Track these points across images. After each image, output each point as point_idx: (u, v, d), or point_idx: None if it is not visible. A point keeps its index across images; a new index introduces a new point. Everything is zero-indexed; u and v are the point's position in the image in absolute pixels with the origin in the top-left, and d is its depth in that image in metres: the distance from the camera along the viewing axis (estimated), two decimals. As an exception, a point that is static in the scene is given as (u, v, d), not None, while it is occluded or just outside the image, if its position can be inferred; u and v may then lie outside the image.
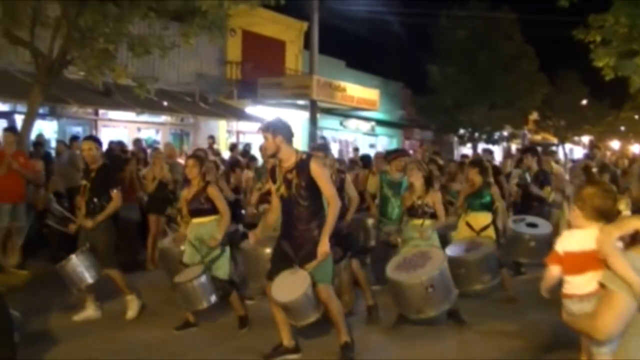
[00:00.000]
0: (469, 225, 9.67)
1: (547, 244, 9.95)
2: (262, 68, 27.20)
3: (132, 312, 8.82)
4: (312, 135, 25.87)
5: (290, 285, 6.67)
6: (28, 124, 13.14)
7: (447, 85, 35.10)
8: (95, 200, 8.64)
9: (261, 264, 8.70)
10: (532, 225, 10.27)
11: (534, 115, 50.23)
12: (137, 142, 17.87)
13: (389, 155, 11.36)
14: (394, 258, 8.45)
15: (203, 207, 8.30)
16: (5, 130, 12.28)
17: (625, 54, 16.06)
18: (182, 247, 8.73)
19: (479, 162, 10.52)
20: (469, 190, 9.86)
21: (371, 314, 8.81)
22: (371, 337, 8.25)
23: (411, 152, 33.39)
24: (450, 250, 9.00)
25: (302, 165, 6.77)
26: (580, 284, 4.09)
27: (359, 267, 9.00)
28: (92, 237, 8.65)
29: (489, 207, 9.70)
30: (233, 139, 26.58)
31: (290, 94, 27.27)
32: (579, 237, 4.17)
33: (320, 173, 6.77)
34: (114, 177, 9.09)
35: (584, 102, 53.33)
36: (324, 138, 20.52)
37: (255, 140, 23.52)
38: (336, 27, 28.77)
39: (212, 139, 19.86)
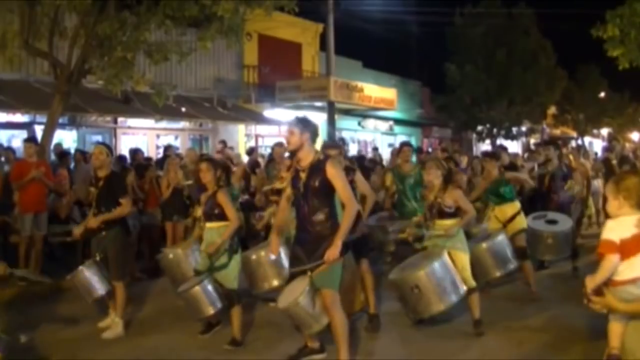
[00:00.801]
0: (496, 218, 9.76)
1: (566, 240, 10.15)
2: (279, 71, 27.27)
3: (111, 333, 8.45)
4: (331, 136, 25.84)
5: (293, 292, 6.50)
6: (49, 134, 13.23)
7: (465, 83, 34.99)
8: (104, 209, 8.50)
9: (260, 270, 9.02)
10: (552, 222, 10.15)
11: (553, 110, 49.96)
12: (169, 148, 17.85)
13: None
14: (408, 258, 8.37)
15: (213, 212, 8.10)
16: (26, 141, 12.42)
17: (644, 45, 15.93)
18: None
19: (494, 154, 10.62)
20: (486, 183, 9.93)
21: (371, 322, 8.52)
22: (388, 334, 8.28)
23: (430, 150, 33.58)
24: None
25: (318, 166, 6.63)
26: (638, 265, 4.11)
27: (368, 270, 8.63)
28: (102, 247, 8.56)
29: (510, 196, 9.75)
30: (252, 143, 26.66)
31: (308, 96, 27.28)
32: (629, 223, 4.21)
33: (336, 175, 6.58)
34: (123, 185, 9.01)
35: (603, 95, 52.98)
36: (342, 139, 20.49)
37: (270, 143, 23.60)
38: (352, 27, 28.82)
39: (223, 143, 19.89)
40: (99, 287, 8.48)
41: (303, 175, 6.68)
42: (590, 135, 59.18)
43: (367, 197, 8.82)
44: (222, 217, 8.03)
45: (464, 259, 8.03)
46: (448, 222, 8.11)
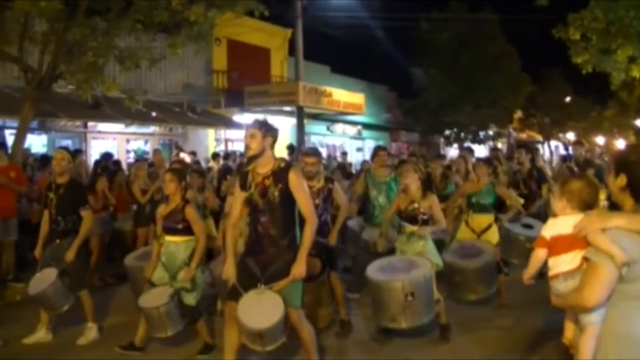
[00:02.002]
0: (469, 226, 9.41)
1: None
2: (248, 76, 27.41)
3: (85, 339, 8.35)
4: (300, 141, 26.03)
5: (260, 309, 5.87)
6: (20, 138, 13.23)
7: (431, 88, 35.33)
8: (60, 218, 8.25)
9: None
10: (528, 226, 9.91)
11: (519, 114, 50.50)
12: (157, 152, 17.86)
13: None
14: (378, 260, 7.95)
15: (177, 226, 7.63)
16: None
17: (605, 50, 16.28)
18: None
19: (489, 161, 10.24)
20: (473, 189, 9.53)
21: (343, 328, 8.44)
22: (356, 349, 8.04)
23: (402, 154, 33.82)
24: (448, 254, 8.71)
25: (280, 175, 6.11)
26: (564, 262, 4.32)
27: (338, 280, 8.49)
28: (59, 257, 8.20)
29: (491, 208, 9.43)
30: (222, 147, 26.77)
31: (277, 100, 27.41)
32: (565, 222, 4.42)
33: (298, 185, 6.11)
34: (84, 195, 8.68)
35: (568, 99, 53.63)
36: (292, 147, 20.45)
37: (243, 148, 23.70)
38: (320, 33, 29.01)
39: (178, 148, 19.88)
40: (64, 301, 8.14)
41: (262, 183, 6.15)
42: (556, 139, 59.86)
43: (340, 209, 8.62)
44: (188, 231, 7.64)
45: (434, 268, 7.73)
46: (419, 230, 7.89)
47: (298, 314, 6.20)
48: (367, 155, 23.41)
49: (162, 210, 7.85)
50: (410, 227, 7.98)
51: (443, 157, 11.57)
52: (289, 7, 25.58)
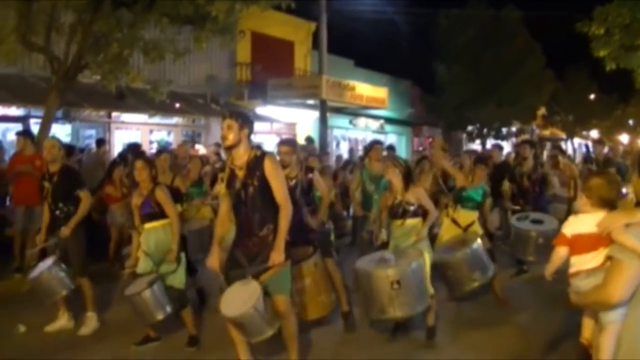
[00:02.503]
0: (455, 222, 9.32)
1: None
2: (271, 69, 27.39)
3: (86, 329, 8.40)
4: (322, 134, 26.05)
5: (239, 298, 5.93)
6: (45, 128, 13.36)
7: (453, 84, 35.19)
8: (61, 204, 8.35)
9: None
10: (537, 221, 9.83)
11: (542, 111, 50.23)
12: (182, 144, 17.92)
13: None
14: (369, 255, 7.96)
15: (154, 210, 7.77)
16: (17, 134, 12.56)
17: (629, 47, 16.21)
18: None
19: (485, 160, 10.28)
20: (465, 185, 9.46)
21: (347, 321, 8.44)
22: (350, 347, 7.94)
23: (421, 148, 33.73)
24: (437, 254, 8.52)
25: (256, 164, 6.15)
26: (587, 261, 4.35)
27: (336, 268, 8.43)
28: (63, 244, 8.35)
29: (478, 206, 9.40)
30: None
31: (300, 94, 27.45)
32: (587, 220, 4.44)
33: (273, 173, 6.13)
34: (78, 178, 8.73)
35: (592, 96, 53.28)
36: (310, 138, 20.27)
37: (266, 140, 23.76)
38: (344, 26, 28.93)
39: (218, 146, 20.04)
40: (63, 286, 8.20)
41: (240, 174, 6.21)
42: (580, 137, 59.54)
43: (322, 198, 8.74)
44: (164, 215, 7.79)
45: (428, 262, 7.71)
46: (412, 222, 7.88)
47: (285, 302, 6.22)
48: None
49: (135, 200, 8.01)
50: (397, 221, 7.96)
51: (474, 151, 11.45)
52: (314, 0, 25.58)
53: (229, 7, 12.55)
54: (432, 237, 9.20)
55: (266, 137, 26.41)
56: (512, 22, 35.30)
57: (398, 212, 7.92)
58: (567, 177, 13.42)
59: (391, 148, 18.57)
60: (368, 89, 30.48)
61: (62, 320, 8.53)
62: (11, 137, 17.14)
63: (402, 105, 38.54)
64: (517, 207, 11.00)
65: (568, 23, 17.67)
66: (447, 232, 9.35)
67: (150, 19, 12.99)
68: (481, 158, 10.50)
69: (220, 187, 6.63)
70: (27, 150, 11.76)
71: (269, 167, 6.10)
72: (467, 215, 9.27)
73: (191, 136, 25.16)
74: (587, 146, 33.46)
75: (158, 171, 9.45)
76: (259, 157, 6.16)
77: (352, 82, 28.98)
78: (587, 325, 4.96)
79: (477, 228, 9.17)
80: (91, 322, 8.45)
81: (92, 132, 21.88)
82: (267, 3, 13.30)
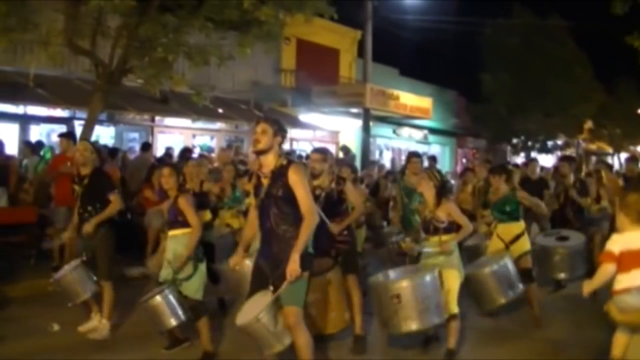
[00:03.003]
0: (499, 237, 9.08)
1: (579, 256, 9.67)
2: (316, 76, 27.34)
3: (98, 334, 8.28)
4: (365, 143, 26.00)
5: (254, 308, 5.82)
6: (88, 129, 13.48)
7: (500, 93, 34.84)
8: (90, 208, 8.27)
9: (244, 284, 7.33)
10: (563, 238, 9.65)
11: (589, 124, 49.52)
12: (222, 150, 17.90)
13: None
14: (394, 269, 7.87)
15: (177, 219, 7.67)
16: (60, 135, 12.69)
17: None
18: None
19: (503, 168, 9.88)
20: (493, 199, 9.32)
21: (356, 344, 8.01)
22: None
23: (464, 160, 33.51)
24: (470, 267, 8.48)
25: (281, 172, 5.98)
26: (638, 277, 4.25)
27: (356, 286, 8.09)
28: (91, 247, 8.30)
29: (516, 215, 9.08)
30: (286, 146, 26.81)
31: (344, 102, 27.44)
32: (632, 237, 4.34)
33: (298, 182, 5.93)
34: (108, 182, 8.70)
35: (640, 110, 52.37)
36: (346, 148, 20.10)
37: (309, 148, 23.71)
38: (390, 35, 28.87)
39: (235, 147, 19.92)
40: (87, 289, 8.17)
41: (265, 182, 6.06)
42: (627, 151, 58.66)
43: (355, 209, 8.30)
44: (186, 224, 7.63)
45: (456, 281, 7.51)
46: (446, 239, 7.58)
47: (296, 315, 5.89)
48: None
49: (165, 205, 8.05)
50: (430, 237, 7.70)
51: (508, 170, 11.04)
52: (359, 8, 25.56)
53: (275, 12, 12.52)
54: (475, 249, 9.43)
55: (308, 144, 26.38)
56: (559, 32, 34.85)
57: (429, 228, 7.71)
58: (612, 193, 13.10)
59: (433, 159, 18.44)
60: (412, 99, 30.37)
61: (95, 321, 8.47)
62: (56, 138, 17.36)
63: (447, 116, 38.30)
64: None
65: (617, 35, 17.37)
66: (493, 246, 9.16)
67: (195, 23, 13.03)
68: (494, 168, 10.13)
69: (250, 199, 6.53)
70: (70, 152, 11.82)
71: (293, 176, 5.92)
72: (509, 229, 9.02)
73: (234, 141, 25.22)
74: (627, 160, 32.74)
75: (187, 178, 9.50)
76: (284, 165, 6.00)
77: (396, 92, 28.92)
78: (619, 343, 4.82)
79: (523, 243, 8.94)
80: (104, 329, 8.34)
81: (136, 135, 22.10)
82: (310, 11, 13.22)
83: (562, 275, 9.87)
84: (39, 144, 15.61)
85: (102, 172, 8.82)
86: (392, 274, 7.60)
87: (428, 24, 30.22)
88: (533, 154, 36.21)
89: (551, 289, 10.94)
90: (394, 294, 6.91)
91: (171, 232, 7.77)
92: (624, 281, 4.44)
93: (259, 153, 6.10)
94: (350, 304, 8.01)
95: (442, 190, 7.74)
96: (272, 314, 5.78)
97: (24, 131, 18.39)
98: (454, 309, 7.43)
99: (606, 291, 4.74)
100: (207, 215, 9.53)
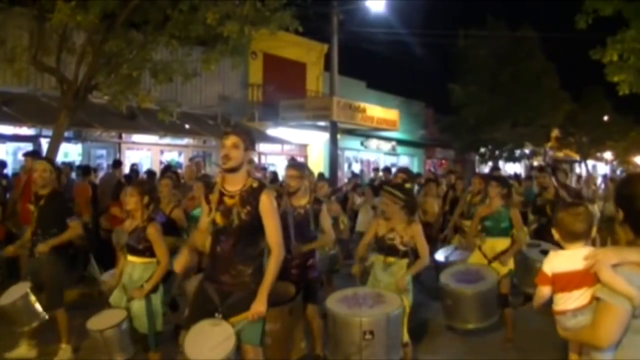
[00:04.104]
0: (481, 250, 8.64)
1: None
2: (283, 90, 27.46)
3: (58, 359, 7.87)
4: (334, 156, 26.07)
5: (208, 341, 5.20)
6: (54, 147, 13.40)
7: (469, 104, 35.11)
8: (40, 231, 7.81)
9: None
10: (547, 252, 9.22)
11: (556, 132, 50.03)
12: (189, 165, 17.84)
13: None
14: (342, 290, 7.10)
15: (138, 246, 6.94)
16: (25, 155, 12.52)
17: (642, 71, 16.15)
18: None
19: (503, 180, 9.42)
20: (486, 212, 8.77)
21: None
22: None
23: (432, 170, 33.67)
24: (445, 275, 8.09)
25: (251, 195, 5.38)
26: (571, 299, 4.27)
27: (316, 316, 7.52)
28: (39, 271, 7.79)
29: (507, 232, 8.60)
30: (255, 160, 26.83)
31: (311, 115, 27.50)
32: (568, 257, 4.36)
33: (270, 211, 5.38)
34: (67, 205, 8.24)
35: (606, 118, 52.96)
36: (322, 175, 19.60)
37: (277, 162, 23.78)
38: (356, 48, 29.04)
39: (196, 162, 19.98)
40: (33, 318, 7.66)
41: (229, 202, 5.42)
42: (594, 159, 59.27)
43: (325, 235, 7.79)
44: (148, 252, 6.93)
45: (408, 308, 6.92)
46: (400, 263, 7.07)
47: (255, 352, 5.44)
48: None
49: (127, 224, 7.23)
50: (382, 257, 7.17)
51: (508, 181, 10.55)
52: (326, 21, 25.67)
53: (239, 29, 12.55)
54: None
55: (277, 159, 26.45)
56: (528, 43, 35.24)
57: (388, 247, 7.14)
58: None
59: (406, 171, 18.51)
60: (379, 111, 30.53)
61: (22, 349, 8.10)
62: (21, 156, 17.26)
63: (415, 127, 38.57)
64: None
65: (583, 45, 17.62)
66: (474, 259, 8.71)
67: (160, 40, 13.04)
68: (492, 177, 9.81)
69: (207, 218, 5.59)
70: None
71: (265, 204, 5.36)
72: (494, 244, 8.58)
73: (196, 157, 25.20)
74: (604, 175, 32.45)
75: (160, 198, 8.87)
76: (255, 188, 5.41)
77: (362, 104, 29.07)
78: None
79: (508, 262, 8.48)
80: (65, 354, 7.94)
81: (104, 152, 22.05)
82: (275, 26, 13.27)
83: (533, 290, 9.35)
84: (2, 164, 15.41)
85: (61, 194, 8.36)
86: (352, 300, 6.73)
87: (394, 36, 30.44)
88: (500, 163, 36.56)
89: (520, 302, 10.55)
90: (367, 330, 6.16)
91: (130, 257, 7.05)
92: (558, 302, 4.48)
93: (230, 171, 5.44)
94: (310, 331, 7.53)
95: (412, 207, 7.25)
96: (235, 350, 5.25)
97: (-10, 149, 18.26)
98: (406, 337, 6.90)
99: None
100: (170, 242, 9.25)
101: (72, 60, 13.50)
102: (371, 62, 35.01)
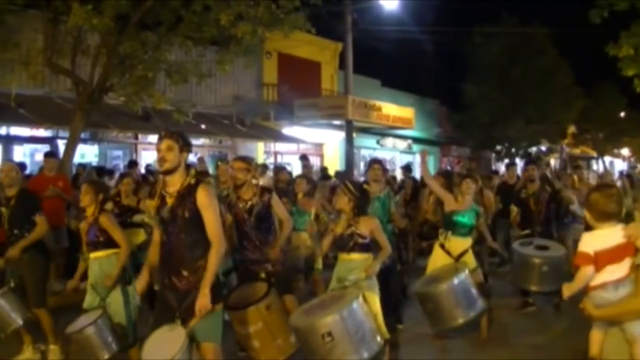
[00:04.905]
0: (446, 250, 8.48)
1: (561, 269, 8.53)
2: (298, 89, 27.42)
3: None
4: (349, 155, 26.05)
5: (164, 346, 5.20)
6: (70, 149, 13.51)
7: (482, 102, 34.97)
8: (17, 231, 7.81)
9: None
10: (542, 247, 8.90)
11: (572, 129, 49.75)
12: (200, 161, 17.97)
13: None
14: (309, 302, 7.02)
15: (98, 239, 6.96)
16: (46, 155, 12.52)
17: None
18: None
19: (473, 176, 9.24)
20: (455, 207, 8.61)
21: None
22: None
23: (449, 168, 33.59)
24: (420, 284, 7.97)
25: (188, 192, 5.43)
26: (614, 272, 4.39)
27: (296, 305, 7.26)
28: (19, 273, 7.80)
29: (470, 232, 8.59)
30: (271, 160, 26.87)
31: (326, 114, 27.47)
32: (603, 235, 4.50)
33: (207, 203, 5.39)
34: (34, 202, 8.10)
35: (622, 114, 52.59)
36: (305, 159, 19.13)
37: (293, 161, 23.81)
38: (371, 47, 28.97)
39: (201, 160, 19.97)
40: (16, 317, 7.61)
41: (170, 202, 5.48)
42: (611, 155, 58.93)
43: (283, 223, 7.67)
44: (110, 244, 6.97)
45: (377, 302, 6.82)
46: (359, 257, 6.95)
47: (215, 351, 5.43)
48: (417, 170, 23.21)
49: (83, 226, 7.23)
50: (345, 254, 7.01)
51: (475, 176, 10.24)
52: (340, 20, 25.66)
53: (253, 29, 12.59)
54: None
55: (293, 158, 26.47)
56: (540, 39, 35.06)
57: (347, 244, 6.99)
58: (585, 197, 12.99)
59: (407, 168, 18.46)
60: (394, 109, 30.47)
61: (27, 353, 8.09)
62: (39, 157, 17.35)
63: (430, 125, 38.46)
64: (525, 232, 10.16)
65: (597, 40, 17.55)
66: (437, 260, 8.53)
67: (174, 41, 13.12)
68: (469, 174, 9.43)
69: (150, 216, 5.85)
70: (50, 173, 11.81)
71: (202, 197, 5.39)
72: (459, 243, 8.46)
73: (217, 157, 25.25)
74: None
75: (122, 195, 9.37)
76: (192, 185, 5.46)
77: (378, 103, 29.02)
78: (595, 341, 4.93)
79: (470, 258, 8.41)
80: (54, 355, 7.90)
81: (120, 152, 22.12)
82: (289, 28, 13.30)
83: (537, 288, 9.02)
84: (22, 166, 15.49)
85: (28, 193, 8.37)
86: (312, 309, 6.60)
87: (408, 34, 30.38)
88: (517, 161, 36.43)
89: (518, 306, 10.42)
90: (324, 332, 5.98)
91: (93, 254, 7.03)
92: (598, 277, 4.56)
93: (167, 173, 5.51)
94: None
95: (362, 203, 7.11)
96: (189, 352, 5.24)
97: (7, 152, 18.35)
98: (386, 333, 6.70)
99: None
100: (141, 235, 9.25)
101: (87, 62, 13.61)
102: (385, 61, 34.81)
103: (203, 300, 5.21)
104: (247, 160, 7.67)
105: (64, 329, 6.85)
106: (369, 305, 6.54)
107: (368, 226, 6.98)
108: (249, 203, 7.40)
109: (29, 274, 7.82)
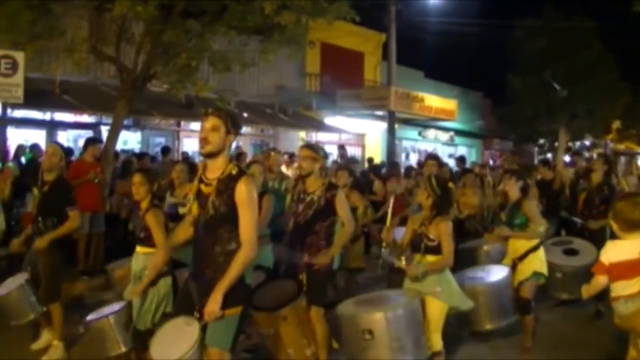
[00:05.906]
0: (509, 253, 7.90)
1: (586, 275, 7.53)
2: (340, 79, 27.41)
3: (51, 356, 7.46)
4: (391, 146, 25.97)
5: (173, 341, 4.84)
6: (113, 135, 13.60)
7: (526, 95, 34.61)
8: (45, 219, 7.40)
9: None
10: (571, 251, 8.52)
11: (617, 124, 49.03)
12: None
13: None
14: (364, 294, 6.83)
15: (140, 235, 6.63)
16: (87, 141, 12.57)
17: None
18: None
19: (518, 173, 8.52)
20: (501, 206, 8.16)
21: None
22: None
23: (491, 162, 33.35)
24: (462, 275, 7.36)
25: (228, 183, 4.84)
26: (626, 287, 4.39)
27: (320, 319, 6.62)
28: (37, 263, 7.48)
29: (525, 229, 7.76)
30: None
31: (369, 105, 27.45)
32: (622, 247, 4.47)
33: (246, 200, 4.80)
34: (67, 194, 7.62)
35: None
36: (342, 150, 18.57)
37: (335, 151, 23.81)
38: (414, 38, 28.83)
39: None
40: (29, 311, 7.39)
41: (207, 191, 4.92)
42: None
43: (345, 226, 6.86)
44: (149, 241, 6.51)
45: (440, 310, 6.37)
46: (434, 259, 6.44)
47: (219, 357, 4.91)
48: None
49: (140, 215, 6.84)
50: (416, 255, 6.56)
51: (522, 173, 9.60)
52: (383, 11, 25.56)
53: (296, 18, 12.57)
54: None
55: (334, 148, 26.48)
56: (586, 33, 34.56)
57: (417, 244, 6.56)
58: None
59: (461, 160, 18.32)
60: (437, 101, 30.35)
61: (45, 338, 7.88)
62: (82, 143, 17.56)
63: (472, 117, 38.20)
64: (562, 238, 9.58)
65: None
66: (506, 258, 7.97)
67: (218, 29, 13.13)
68: (512, 170, 8.93)
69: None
70: (89, 159, 11.91)
71: (242, 192, 4.79)
72: (516, 245, 7.77)
73: (260, 145, 25.32)
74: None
75: (175, 184, 8.77)
76: (234, 176, 4.85)
77: (421, 94, 28.92)
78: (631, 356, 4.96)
79: (531, 263, 7.60)
80: (56, 351, 7.53)
81: (162, 139, 22.27)
82: (332, 16, 13.25)
83: (562, 296, 8.66)
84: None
85: (65, 182, 7.89)
86: (365, 302, 6.45)
87: (452, 26, 30.15)
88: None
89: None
90: (365, 329, 5.79)
91: (137, 248, 6.72)
92: (614, 290, 4.62)
93: (208, 156, 4.94)
94: (314, 337, 6.56)
95: (443, 201, 6.61)
96: (200, 353, 4.85)
97: (51, 137, 18.54)
98: (437, 345, 6.34)
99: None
100: None
101: (131, 50, 13.65)
102: (428, 52, 34.63)
103: (212, 306, 4.70)
104: (315, 149, 6.98)
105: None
106: (427, 311, 6.27)
107: (438, 229, 6.42)
108: (311, 196, 6.78)
109: (46, 265, 7.43)
